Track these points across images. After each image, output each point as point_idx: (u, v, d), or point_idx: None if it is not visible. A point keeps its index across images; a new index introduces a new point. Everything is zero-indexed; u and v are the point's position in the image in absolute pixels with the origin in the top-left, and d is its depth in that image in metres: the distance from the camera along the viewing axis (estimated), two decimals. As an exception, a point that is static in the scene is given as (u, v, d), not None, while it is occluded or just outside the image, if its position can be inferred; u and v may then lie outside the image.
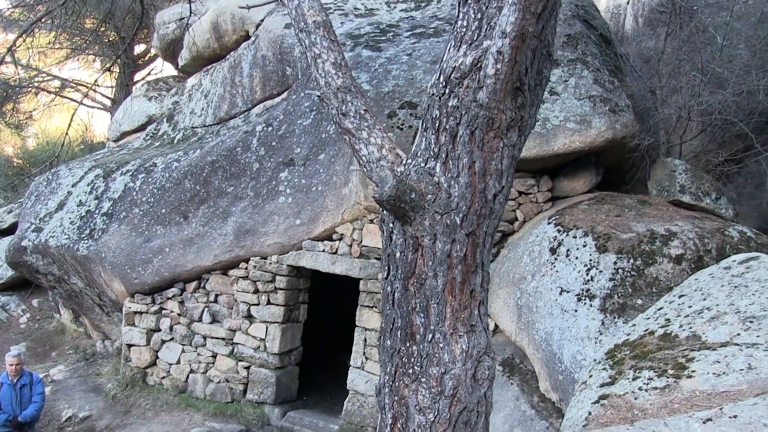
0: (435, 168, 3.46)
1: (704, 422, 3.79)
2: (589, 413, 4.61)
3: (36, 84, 22.34)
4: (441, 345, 3.53)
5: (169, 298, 11.38)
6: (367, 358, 9.71)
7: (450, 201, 3.41)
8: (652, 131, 9.68)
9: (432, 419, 3.55)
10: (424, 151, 3.52)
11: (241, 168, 10.71)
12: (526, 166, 9.06)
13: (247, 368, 10.81)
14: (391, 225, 3.63)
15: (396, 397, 3.67)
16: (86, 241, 11.45)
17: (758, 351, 4.30)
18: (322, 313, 12.92)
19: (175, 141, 13.29)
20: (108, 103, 22.56)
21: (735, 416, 3.71)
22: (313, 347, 12.40)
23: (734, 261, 5.76)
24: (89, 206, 11.95)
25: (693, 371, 4.44)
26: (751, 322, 4.63)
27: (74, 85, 22.41)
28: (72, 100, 22.40)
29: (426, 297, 3.50)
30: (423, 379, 3.57)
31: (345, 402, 9.98)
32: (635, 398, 4.47)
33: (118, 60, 20.29)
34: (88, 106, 22.90)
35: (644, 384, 4.57)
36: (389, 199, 3.31)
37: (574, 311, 7.23)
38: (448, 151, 3.43)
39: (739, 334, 4.58)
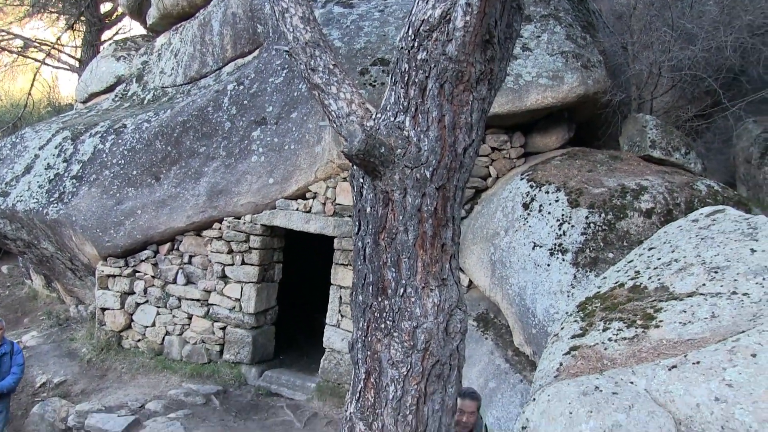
0: (404, 122, 3.46)
1: (670, 369, 3.90)
2: (561, 364, 4.71)
3: (-5, 43, 21.79)
4: (413, 299, 3.57)
5: (142, 261, 11.35)
6: (342, 316, 9.80)
7: (420, 155, 3.42)
8: (624, 87, 9.74)
9: (405, 373, 3.60)
10: (393, 105, 3.52)
11: (212, 128, 10.63)
12: (499, 123, 9.09)
13: (223, 329, 10.86)
14: (361, 180, 3.64)
15: (369, 352, 3.71)
16: (56, 205, 11.33)
17: (721, 300, 4.41)
18: (298, 272, 12.96)
19: (145, 101, 13.10)
20: (75, 63, 22.10)
21: (698, 362, 3.82)
22: (290, 307, 12.47)
23: (701, 214, 5.87)
24: (58, 169, 11.79)
25: (660, 321, 4.55)
26: (715, 272, 4.74)
27: (38, 45, 21.87)
28: (36, 60, 21.88)
29: (397, 251, 3.53)
30: (395, 334, 3.60)
31: (322, 360, 10.08)
32: (605, 348, 4.58)
33: (82, 18, 19.81)
34: (53, 67, 22.39)
35: (614, 335, 4.68)
36: (358, 153, 3.32)
37: (546, 266, 7.33)
38: (417, 105, 3.43)
39: (704, 284, 4.69)
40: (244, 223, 10.55)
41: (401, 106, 3.49)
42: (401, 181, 3.44)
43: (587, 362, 4.51)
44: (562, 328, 5.30)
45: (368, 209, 3.60)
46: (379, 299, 3.63)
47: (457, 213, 3.65)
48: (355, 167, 3.69)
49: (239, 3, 11.63)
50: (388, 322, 3.60)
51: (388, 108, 3.57)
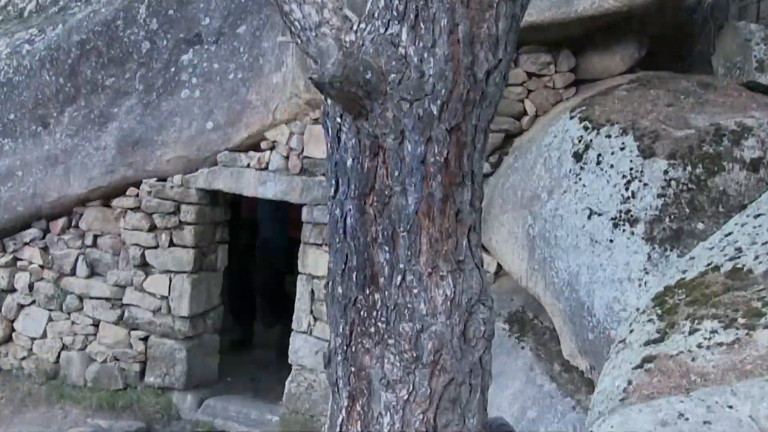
0: (400, 34, 3.43)
1: (786, 387, 3.92)
2: (630, 382, 4.74)
3: None
4: (415, 291, 3.56)
5: (26, 244, 11.34)
6: (316, 319, 9.79)
7: (423, 82, 3.39)
8: (719, -17, 9.69)
9: (405, 396, 3.60)
10: (383, 11, 3.48)
11: (124, 50, 10.62)
12: (538, 37, 9.05)
13: (145, 340, 10.88)
14: (338, 120, 3.61)
15: (353, 368, 3.70)
16: None
17: None
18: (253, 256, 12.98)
19: (26, 14, 13.01)
20: None
21: (827, 376, 3.84)
22: (243, 305, 12.51)
23: (832, 165, 5.87)
24: None
25: (772, 319, 4.57)
26: None
27: None
28: None
29: (392, 222, 3.51)
30: (390, 341, 3.60)
31: (287, 382, 10.09)
32: (692, 359, 4.60)
33: None
34: None
35: (705, 339, 4.70)
36: (334, 81, 3.28)
37: (608, 242, 7.34)
38: (418, 10, 3.39)
39: (836, 265, 4.70)
40: (172, 187, 10.53)
41: (395, 12, 3.46)
42: (396, 120, 3.42)
43: (667, 379, 4.53)
44: (631, 331, 5.33)
45: (349, 162, 3.58)
46: (367, 291, 3.62)
47: (478, 167, 3.63)
48: (329, 102, 3.67)
49: None
50: (380, 324, 3.60)
51: (376, 14, 3.54)
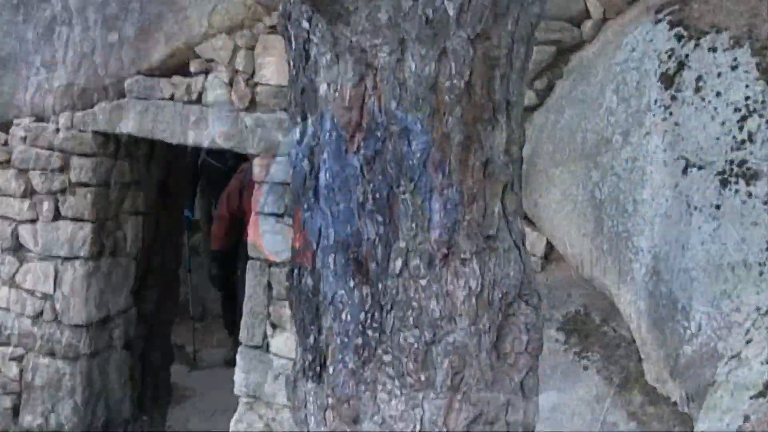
0: None
1: None
2: (746, 418, 4.78)
3: None
4: (423, 282, 3.56)
5: None
6: (275, 326, 9.76)
7: (432, -33, 3.39)
8: None
9: (409, 441, 3.62)
10: None
11: None
12: None
13: (19, 360, 10.92)
14: (305, 26, 3.61)
15: (331, 399, 3.72)
16: None
17: None
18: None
19: None
20: None
21: None
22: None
23: None
24: None
25: None
26: None
27: None
28: None
29: (387, 179, 3.51)
30: (386, 357, 3.61)
31: (233, 421, 10.10)
32: (842, 383, 4.64)
33: None
34: None
35: None
36: (298, -34, 3.29)
37: (714, 208, 7.33)
38: None
39: None
40: (58, 131, 10.51)
41: None
42: (393, 25, 3.41)
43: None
44: (748, 342, 5.35)
45: (323, 89, 3.58)
46: (352, 284, 3.63)
47: (517, 95, 3.63)
48: (291, 1, 3.66)
49: None
50: (370, 332, 3.62)
51: None
